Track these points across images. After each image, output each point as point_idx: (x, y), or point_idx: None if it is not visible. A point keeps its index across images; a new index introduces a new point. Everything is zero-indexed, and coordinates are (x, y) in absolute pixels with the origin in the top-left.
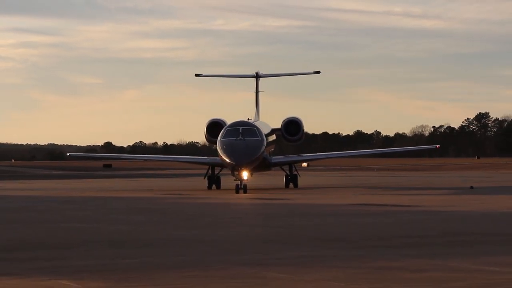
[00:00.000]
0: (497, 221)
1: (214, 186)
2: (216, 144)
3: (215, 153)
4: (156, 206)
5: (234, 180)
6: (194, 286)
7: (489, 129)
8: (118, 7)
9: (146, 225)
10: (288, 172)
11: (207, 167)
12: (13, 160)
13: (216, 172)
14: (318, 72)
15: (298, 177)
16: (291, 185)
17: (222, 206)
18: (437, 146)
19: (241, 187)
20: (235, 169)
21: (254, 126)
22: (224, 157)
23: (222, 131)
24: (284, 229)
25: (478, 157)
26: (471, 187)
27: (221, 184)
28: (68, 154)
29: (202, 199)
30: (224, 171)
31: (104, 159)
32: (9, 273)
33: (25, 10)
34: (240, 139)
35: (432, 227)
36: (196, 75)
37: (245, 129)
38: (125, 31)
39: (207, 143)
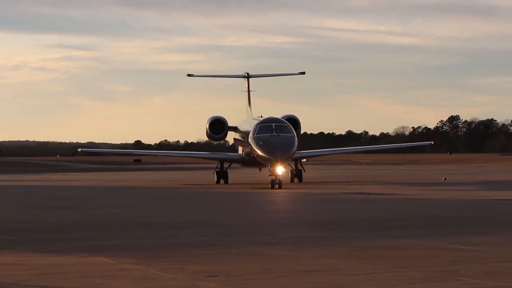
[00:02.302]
0: (467, 207)
1: (222, 181)
2: (216, 139)
3: (221, 149)
4: (179, 195)
5: (269, 175)
6: (210, 262)
7: (459, 129)
8: (146, 27)
9: (170, 211)
10: (293, 167)
11: (217, 162)
12: (58, 156)
13: (225, 167)
14: (303, 73)
15: (303, 172)
16: (295, 179)
17: (237, 195)
18: (432, 142)
19: (277, 182)
20: (270, 164)
21: (286, 122)
22: (260, 153)
23: (254, 127)
24: (288, 214)
25: (450, 153)
26: (445, 179)
27: (229, 179)
28: (79, 150)
29: (221, 189)
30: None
31: (118, 155)
32: (55, 251)
33: (68, 30)
34: (275, 135)
35: (412, 212)
36: (188, 75)
37: (277, 125)
38: (152, 46)
39: (213, 142)
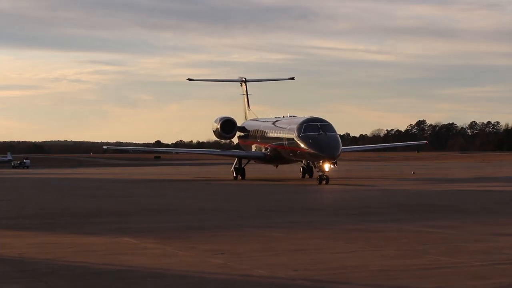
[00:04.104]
0: (432, 196)
1: (239, 177)
2: (227, 138)
3: (230, 148)
4: (193, 186)
5: (317, 171)
6: (218, 242)
7: (425, 131)
8: (164, 46)
9: (185, 199)
10: (305, 165)
11: (235, 159)
12: (91, 153)
13: (242, 164)
14: (292, 78)
15: (314, 168)
16: (306, 175)
17: (242, 187)
18: (426, 142)
19: (324, 178)
20: (320, 161)
21: (329, 122)
22: (312, 150)
23: (298, 126)
24: (284, 202)
25: (418, 151)
26: (413, 173)
27: (246, 175)
28: (105, 148)
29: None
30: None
31: (137, 152)
32: (87, 233)
33: (99, 48)
34: (321, 133)
35: (386, 200)
36: (189, 79)
37: (322, 124)
38: (169, 62)
39: (222, 140)
